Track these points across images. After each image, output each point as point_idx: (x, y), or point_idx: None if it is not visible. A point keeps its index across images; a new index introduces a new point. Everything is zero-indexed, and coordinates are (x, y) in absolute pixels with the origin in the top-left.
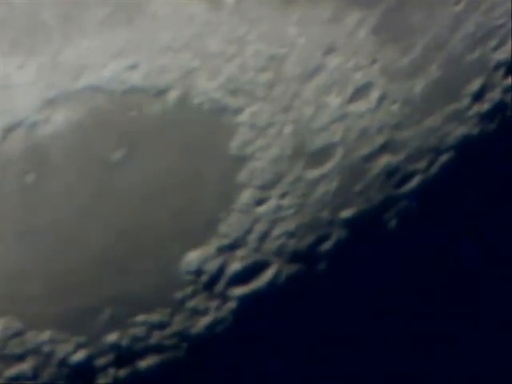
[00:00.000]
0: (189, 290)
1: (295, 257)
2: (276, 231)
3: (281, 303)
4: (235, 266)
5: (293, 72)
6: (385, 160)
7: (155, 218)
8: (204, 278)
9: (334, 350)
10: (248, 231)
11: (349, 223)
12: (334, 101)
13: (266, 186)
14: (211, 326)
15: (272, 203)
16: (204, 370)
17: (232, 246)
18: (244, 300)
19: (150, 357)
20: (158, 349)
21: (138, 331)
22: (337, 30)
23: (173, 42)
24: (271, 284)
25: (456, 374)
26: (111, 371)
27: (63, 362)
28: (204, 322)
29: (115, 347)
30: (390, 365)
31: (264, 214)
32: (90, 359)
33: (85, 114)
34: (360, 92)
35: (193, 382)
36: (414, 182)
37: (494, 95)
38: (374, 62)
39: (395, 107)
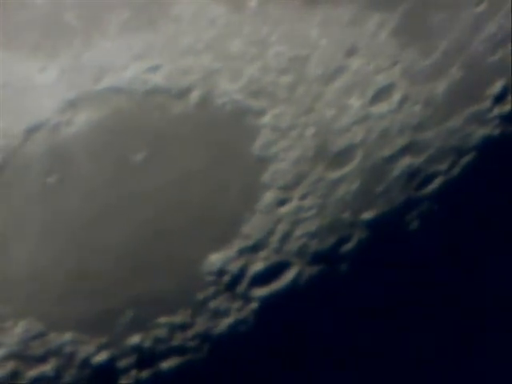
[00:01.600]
0: (211, 290)
1: (317, 257)
2: (298, 232)
3: (302, 304)
4: (257, 267)
5: (314, 74)
6: (406, 161)
7: (178, 219)
8: (226, 279)
9: (354, 350)
10: (270, 232)
11: (370, 224)
12: (356, 102)
13: (288, 187)
14: (233, 327)
15: (294, 204)
16: (226, 371)
17: (254, 247)
18: (266, 301)
19: (172, 358)
20: (180, 350)
21: (161, 332)
22: (358, 32)
23: (195, 44)
24: (293, 285)
25: None
26: (133, 372)
27: (85, 363)
28: (226, 322)
29: (137, 349)
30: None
31: (286, 214)
32: (112, 360)
33: (107, 115)
34: (381, 94)
35: (215, 383)
36: (436, 184)
37: None
38: (395, 63)
39: (416, 109)
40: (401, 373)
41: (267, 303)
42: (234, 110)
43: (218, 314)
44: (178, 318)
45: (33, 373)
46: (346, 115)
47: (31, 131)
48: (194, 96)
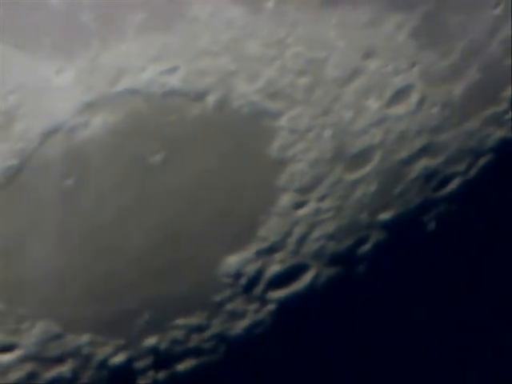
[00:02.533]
0: (228, 292)
1: (334, 259)
2: (315, 234)
3: (320, 306)
4: (274, 269)
5: (332, 75)
6: (424, 163)
7: (194, 221)
8: (243, 281)
9: (372, 351)
10: (287, 234)
11: (387, 226)
12: (374, 104)
13: (306, 189)
14: (250, 329)
15: (311, 206)
16: (242, 373)
17: (271, 249)
18: (283, 303)
19: (188, 360)
20: (196, 352)
21: (177, 334)
22: (376, 33)
23: (212, 46)
24: (310, 287)
25: None
26: (150, 374)
27: (102, 365)
28: (242, 324)
29: (154, 350)
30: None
31: (303, 216)
32: (129, 362)
33: (124, 118)
34: (399, 95)
35: None
36: (453, 185)
37: None
38: (413, 65)
39: (434, 110)
40: (418, 374)
41: (284, 305)
42: (252, 112)
43: (235, 315)
44: (194, 320)
45: (50, 374)
46: (363, 117)
47: (48, 134)
48: (211, 98)
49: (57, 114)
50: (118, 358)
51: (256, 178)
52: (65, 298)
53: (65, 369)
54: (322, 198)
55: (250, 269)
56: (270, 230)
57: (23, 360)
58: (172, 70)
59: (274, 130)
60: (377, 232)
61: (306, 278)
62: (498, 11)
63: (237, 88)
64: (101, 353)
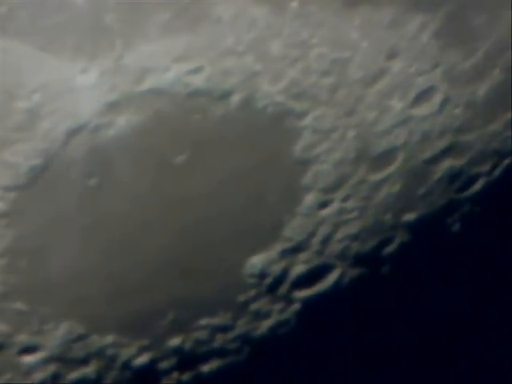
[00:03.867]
0: (252, 292)
1: (358, 260)
2: (339, 234)
3: (344, 306)
4: (299, 269)
5: (356, 76)
6: (448, 163)
7: (219, 221)
8: (268, 281)
9: (396, 351)
10: (311, 234)
11: (412, 226)
12: (397, 105)
13: (330, 190)
14: (274, 329)
15: (335, 206)
16: (267, 373)
17: (296, 249)
18: (307, 302)
19: (213, 360)
20: (221, 352)
21: (202, 334)
22: (399, 34)
23: (236, 46)
24: (334, 287)
25: None
26: (174, 375)
27: (126, 366)
28: (267, 324)
29: (178, 351)
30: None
31: (327, 217)
32: (153, 363)
33: (148, 118)
34: (423, 96)
35: None
36: (478, 186)
37: None
38: (436, 66)
39: (458, 111)
40: (441, 373)
41: (309, 305)
42: (275, 112)
43: (260, 316)
44: (218, 320)
45: (74, 375)
46: (387, 117)
47: (72, 133)
48: (235, 98)
49: (81, 113)
50: (142, 359)
51: (280, 178)
52: (89, 299)
53: (89, 370)
54: (346, 199)
55: (275, 269)
56: (294, 230)
57: (47, 361)
58: (196, 70)
59: (298, 130)
60: (401, 233)
61: (331, 278)
62: None
63: (261, 88)
64: (125, 353)
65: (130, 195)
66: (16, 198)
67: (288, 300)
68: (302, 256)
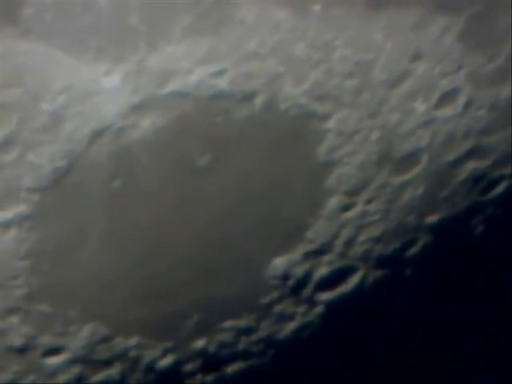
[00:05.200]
0: (276, 295)
1: (381, 262)
2: (362, 236)
3: (367, 307)
4: (322, 271)
5: (379, 78)
6: (471, 165)
7: (243, 223)
8: (291, 283)
9: (419, 352)
10: (335, 237)
11: (435, 228)
12: (421, 107)
13: (353, 192)
14: (298, 331)
15: (358, 209)
16: (290, 375)
17: (319, 252)
18: (331, 305)
19: (236, 362)
20: (244, 354)
21: (226, 337)
22: (423, 36)
23: (259, 48)
24: (357, 289)
25: None
26: (198, 377)
27: (150, 367)
28: (291, 326)
29: (202, 353)
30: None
31: (350, 219)
32: (177, 365)
33: (171, 120)
34: (446, 98)
35: None
36: (501, 188)
37: None
38: (460, 68)
39: (481, 113)
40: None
41: (332, 307)
42: (299, 115)
43: (283, 318)
44: (242, 323)
45: (98, 377)
46: (410, 119)
47: (96, 135)
48: (259, 100)
49: (105, 115)
50: (166, 361)
51: (304, 180)
52: (113, 301)
53: (113, 371)
54: (369, 201)
55: (298, 271)
56: (317, 232)
57: (71, 363)
58: (219, 73)
59: (321, 132)
60: (424, 235)
61: (354, 280)
62: None
63: (284, 90)
64: (149, 355)
65: (154, 197)
66: (39, 199)
67: (311, 302)
68: (325, 258)
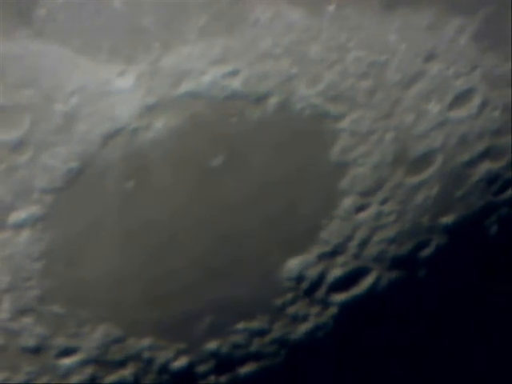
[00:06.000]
0: (289, 296)
1: (395, 263)
2: (376, 238)
3: (381, 309)
4: (336, 273)
5: (393, 79)
6: (485, 166)
7: (255, 224)
8: (305, 285)
9: (433, 355)
10: (349, 238)
11: (449, 229)
12: (435, 107)
13: (367, 193)
14: (311, 333)
15: (373, 210)
16: (303, 377)
17: (333, 253)
18: (344, 306)
19: (249, 364)
20: (257, 356)
21: (239, 338)
22: (437, 36)
23: (273, 49)
24: (371, 290)
25: None
26: (211, 378)
27: (164, 369)
28: (304, 328)
29: (215, 354)
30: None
31: (364, 220)
32: (190, 366)
33: (185, 121)
34: (460, 98)
35: None
36: None
37: None
38: (474, 68)
39: (496, 114)
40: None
41: (345, 308)
42: (313, 115)
43: (296, 319)
44: (255, 324)
45: (111, 378)
46: (424, 120)
47: (109, 136)
48: (273, 101)
49: (118, 116)
50: (179, 362)
51: (317, 181)
52: (126, 302)
53: (126, 373)
54: (383, 202)
55: (312, 272)
56: (331, 233)
57: (84, 364)
58: (233, 73)
59: (335, 133)
60: (438, 236)
61: (368, 282)
62: None
63: (298, 91)
64: (162, 357)
65: (167, 199)
66: (53, 200)
67: (325, 303)
68: (339, 259)
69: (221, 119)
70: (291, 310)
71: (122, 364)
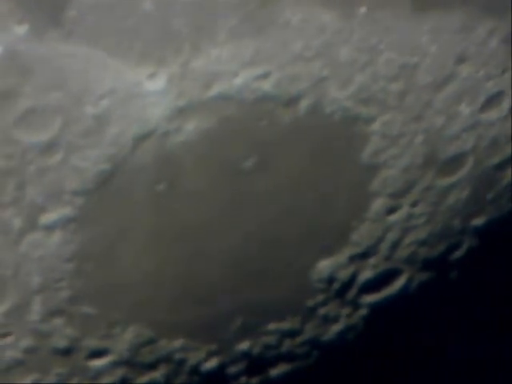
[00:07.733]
0: (320, 297)
1: (426, 265)
2: (407, 239)
3: (412, 310)
4: (367, 274)
5: (424, 81)
6: None
7: (287, 226)
8: (336, 286)
9: (463, 356)
10: (380, 239)
11: (480, 231)
12: (466, 110)
13: (398, 195)
14: (342, 333)
15: (404, 211)
16: (335, 378)
17: (364, 255)
18: (375, 307)
19: (281, 365)
20: (289, 357)
21: (270, 339)
22: (468, 38)
23: (304, 51)
24: (402, 291)
25: None
26: (243, 379)
27: (195, 370)
28: (335, 329)
29: (247, 355)
30: None
31: (396, 222)
32: (221, 367)
33: (216, 123)
34: (491, 101)
35: None
36: None
37: None
38: (505, 70)
39: None
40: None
41: (377, 310)
42: (344, 117)
43: (328, 320)
44: (287, 325)
45: (142, 380)
46: (455, 122)
47: (140, 139)
48: (304, 103)
49: (149, 119)
50: (211, 363)
51: (348, 183)
52: (157, 303)
53: (157, 374)
54: (414, 204)
55: (343, 274)
56: (362, 235)
57: (115, 365)
58: (264, 76)
59: (366, 136)
60: (469, 238)
61: (399, 283)
62: None
63: (329, 93)
64: (193, 358)
65: (198, 200)
66: (84, 202)
67: (356, 304)
68: (370, 261)
69: (252, 121)
70: (322, 311)
71: (153, 366)
